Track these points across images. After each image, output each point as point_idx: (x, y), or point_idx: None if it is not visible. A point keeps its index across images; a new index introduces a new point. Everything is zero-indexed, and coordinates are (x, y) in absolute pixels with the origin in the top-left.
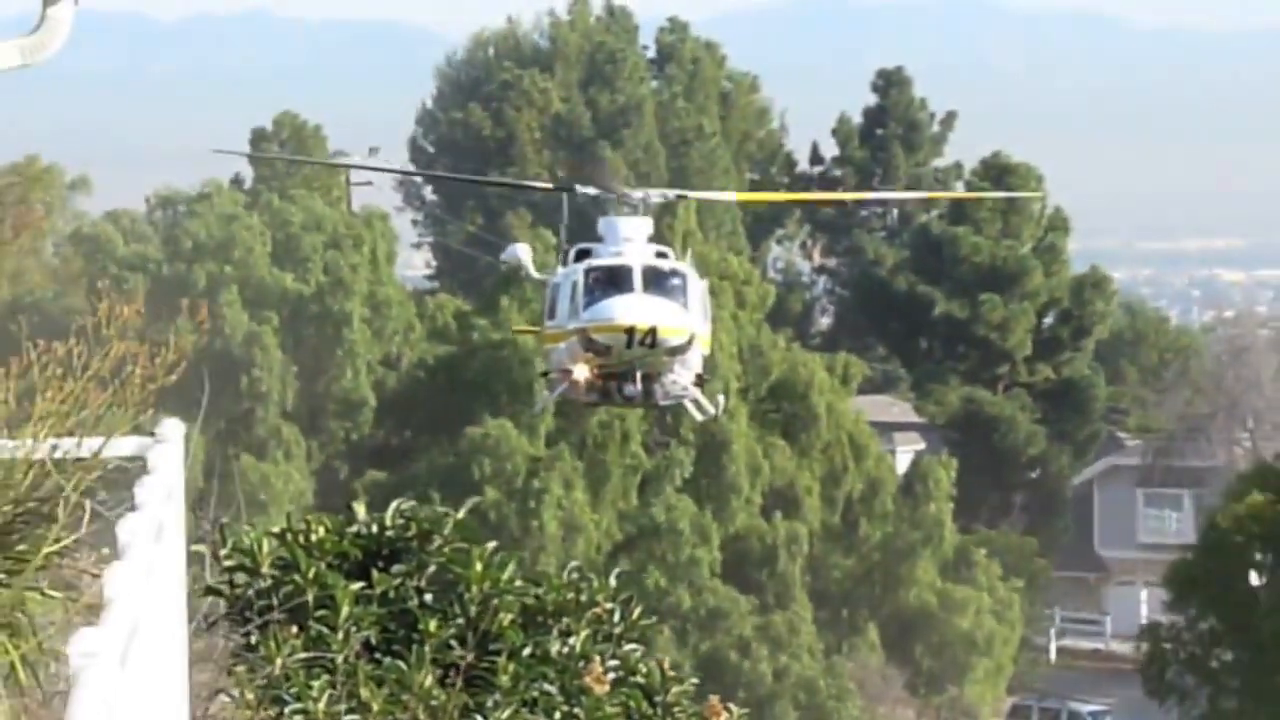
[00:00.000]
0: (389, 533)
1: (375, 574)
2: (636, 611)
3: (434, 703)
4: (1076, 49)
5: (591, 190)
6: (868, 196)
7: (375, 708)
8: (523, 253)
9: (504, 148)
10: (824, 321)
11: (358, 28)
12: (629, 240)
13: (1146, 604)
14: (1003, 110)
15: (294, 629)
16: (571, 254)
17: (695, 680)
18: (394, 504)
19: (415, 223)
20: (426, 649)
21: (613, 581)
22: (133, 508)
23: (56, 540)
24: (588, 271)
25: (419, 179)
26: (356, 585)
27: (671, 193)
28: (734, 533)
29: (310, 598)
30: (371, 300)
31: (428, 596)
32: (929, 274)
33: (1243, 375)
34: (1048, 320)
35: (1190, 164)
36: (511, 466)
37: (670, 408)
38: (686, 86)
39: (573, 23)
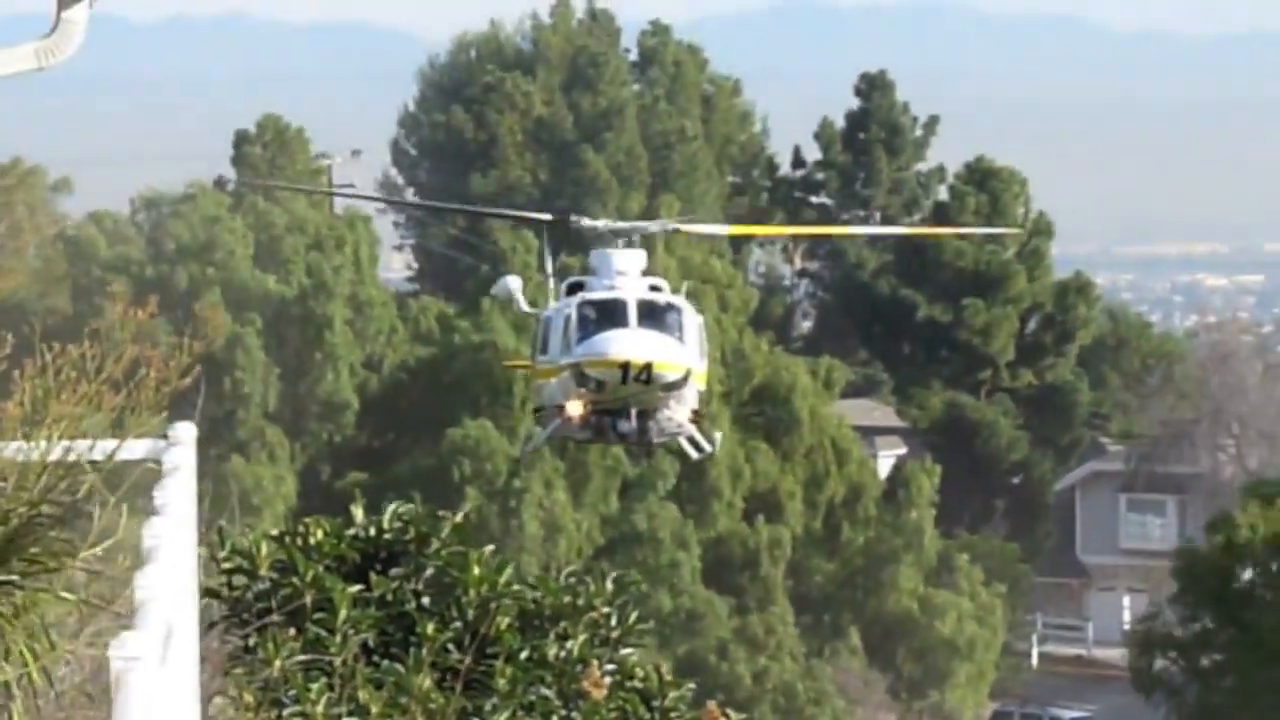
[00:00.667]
0: (387, 535)
1: (373, 577)
2: (633, 615)
3: (432, 706)
4: (1056, 53)
5: (585, 223)
6: (858, 232)
7: (375, 711)
8: (514, 286)
9: (486, 150)
10: (805, 325)
11: (336, 30)
12: (622, 273)
13: (1129, 610)
14: (982, 114)
15: (292, 631)
16: (563, 287)
17: (692, 685)
18: (391, 507)
19: (396, 225)
20: (424, 652)
21: (609, 585)
22: (153, 510)
23: (69, 542)
24: (581, 305)
25: (400, 180)
26: (354, 588)
27: (655, 225)
28: (716, 536)
29: (308, 600)
30: (354, 302)
31: (425, 599)
32: (912, 278)
33: (1227, 381)
34: (1031, 325)
35: (1169, 168)
36: (492, 467)
37: (665, 445)
38: (669, 90)
39: (555, 25)
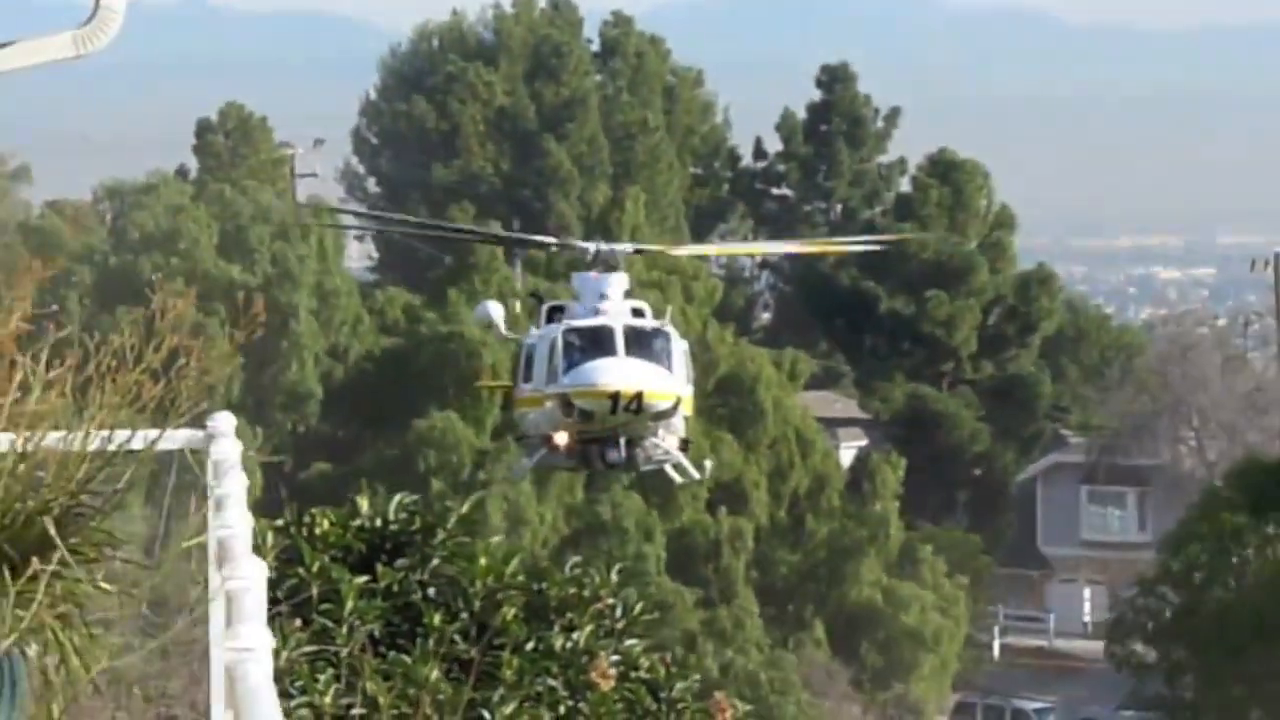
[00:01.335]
0: (392, 526)
1: (379, 568)
2: (638, 607)
3: (441, 697)
4: (1011, 46)
5: (554, 243)
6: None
7: (383, 702)
8: (495, 312)
9: (448, 140)
10: (765, 317)
11: (295, 18)
12: (606, 298)
13: (1090, 601)
14: (940, 106)
15: (298, 622)
16: (544, 312)
17: (698, 676)
18: (397, 497)
19: (357, 215)
20: (431, 643)
21: (614, 576)
22: (217, 502)
23: (109, 534)
24: (566, 333)
25: (362, 169)
26: (361, 579)
27: (631, 247)
28: (679, 528)
29: (314, 591)
30: (319, 292)
31: (431, 590)
32: (873, 270)
33: (1188, 373)
34: (993, 317)
35: (1122, 161)
36: (457, 459)
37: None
38: (630, 80)
39: (517, 16)
